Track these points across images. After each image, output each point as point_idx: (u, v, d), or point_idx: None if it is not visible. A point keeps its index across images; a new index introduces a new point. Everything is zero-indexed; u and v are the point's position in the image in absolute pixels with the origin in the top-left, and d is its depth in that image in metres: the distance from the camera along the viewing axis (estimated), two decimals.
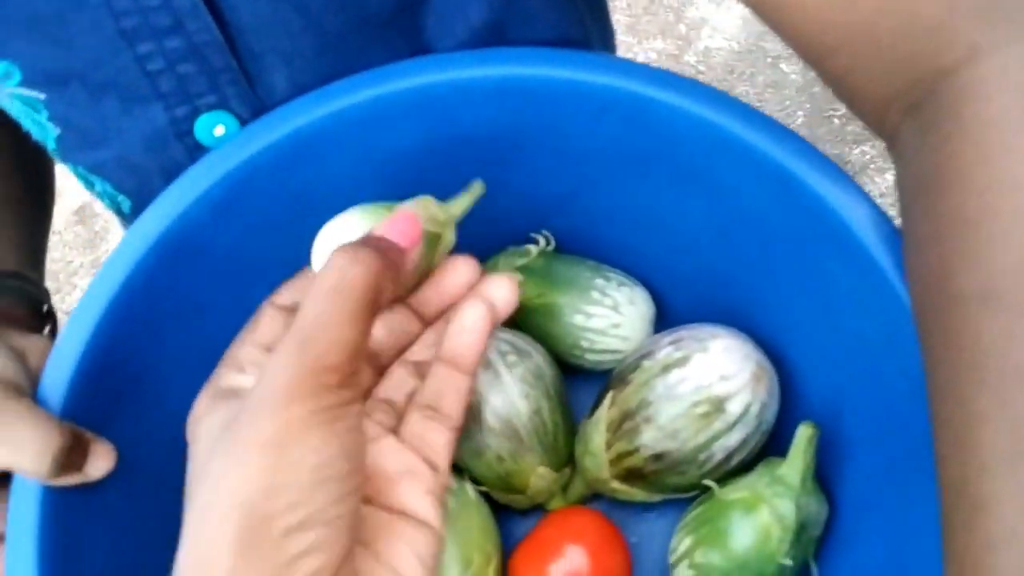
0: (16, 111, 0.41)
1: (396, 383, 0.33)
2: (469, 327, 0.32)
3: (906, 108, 0.32)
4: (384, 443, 0.31)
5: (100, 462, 0.36)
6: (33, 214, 0.47)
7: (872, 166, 1.41)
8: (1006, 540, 0.24)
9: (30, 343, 0.39)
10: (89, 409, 0.36)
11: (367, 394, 0.33)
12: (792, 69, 1.51)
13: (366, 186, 0.42)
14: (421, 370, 0.33)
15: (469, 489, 0.42)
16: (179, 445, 0.38)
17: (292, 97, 0.40)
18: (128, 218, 0.48)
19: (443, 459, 0.31)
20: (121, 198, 0.45)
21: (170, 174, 0.43)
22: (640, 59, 1.52)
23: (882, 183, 1.39)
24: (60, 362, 0.36)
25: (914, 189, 0.30)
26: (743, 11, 1.53)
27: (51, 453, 0.33)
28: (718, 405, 0.39)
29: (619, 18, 1.56)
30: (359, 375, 0.27)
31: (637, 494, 0.42)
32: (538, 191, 0.45)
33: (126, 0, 0.37)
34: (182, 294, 0.39)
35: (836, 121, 1.46)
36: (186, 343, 0.40)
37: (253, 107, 0.41)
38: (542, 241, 0.46)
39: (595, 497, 0.45)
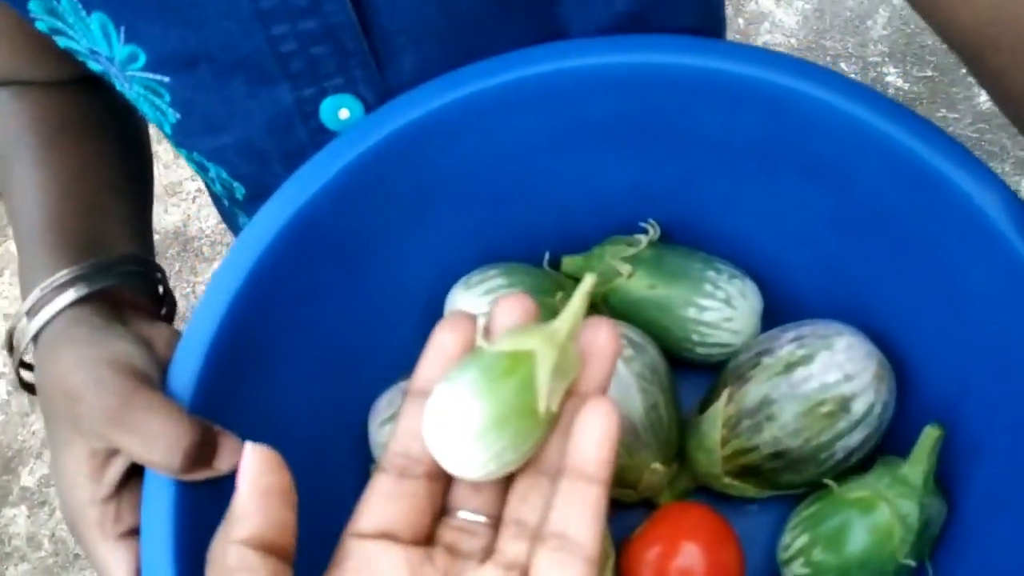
0: (135, 95, 0.40)
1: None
2: (597, 428, 0.26)
3: None
4: None
5: (229, 456, 0.35)
6: (139, 193, 0.46)
7: None
8: None
9: (156, 331, 0.38)
10: (216, 400, 0.36)
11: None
12: (851, 69, 1.48)
13: (489, 174, 0.41)
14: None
15: None
16: (296, 434, 0.38)
17: (417, 81, 0.39)
18: (243, 205, 0.47)
19: None
20: (236, 184, 0.44)
21: (291, 158, 0.42)
22: None
23: None
24: (189, 353, 0.35)
25: None
26: (803, 6, 1.51)
27: (183, 448, 0.33)
28: (843, 404, 0.39)
29: None
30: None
31: (748, 490, 0.42)
32: (651, 178, 0.44)
33: None
34: (303, 282, 0.39)
35: None
36: (305, 330, 0.40)
37: (378, 91, 0.40)
38: (651, 230, 0.45)
39: (699, 489, 0.45)
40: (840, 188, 0.39)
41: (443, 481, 0.28)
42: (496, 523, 0.28)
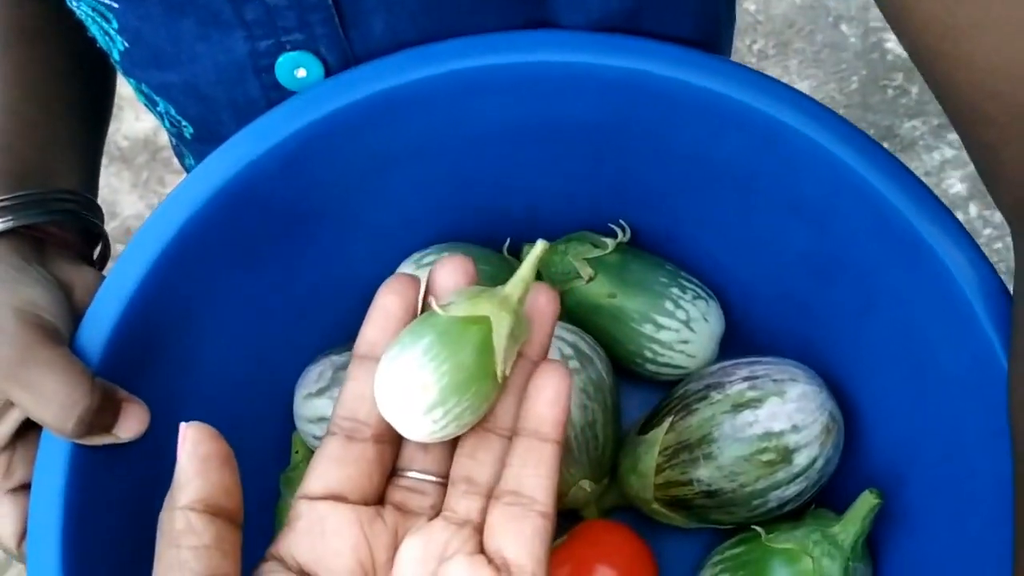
0: (82, 14, 0.37)
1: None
2: (551, 389, 0.27)
3: None
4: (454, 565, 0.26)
5: (131, 424, 0.33)
6: (89, 124, 0.43)
7: (921, 142, 1.37)
8: None
9: (79, 275, 0.36)
10: (127, 361, 0.34)
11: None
12: (853, 32, 1.44)
13: (455, 156, 0.39)
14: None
15: None
16: (214, 407, 0.36)
17: (386, 49, 0.36)
18: (190, 145, 0.44)
19: (529, 557, 0.26)
20: (184, 123, 0.41)
21: (240, 109, 0.39)
22: None
23: (929, 160, 1.36)
24: (103, 308, 0.33)
25: None
26: None
27: (78, 413, 0.31)
28: (786, 455, 0.37)
29: None
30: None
31: (676, 519, 0.41)
32: (627, 184, 0.41)
33: None
34: (238, 246, 0.36)
35: (890, 91, 1.41)
36: (236, 296, 0.37)
37: (342, 53, 0.37)
38: (620, 233, 0.43)
39: (627, 507, 0.43)
40: (817, 226, 0.37)
41: (391, 443, 0.29)
42: (444, 482, 0.28)
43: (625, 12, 0.35)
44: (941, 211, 0.34)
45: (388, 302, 0.28)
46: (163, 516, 0.26)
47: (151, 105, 0.42)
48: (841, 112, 0.45)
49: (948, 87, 0.30)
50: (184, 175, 0.39)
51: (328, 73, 0.37)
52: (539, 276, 0.43)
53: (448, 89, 0.35)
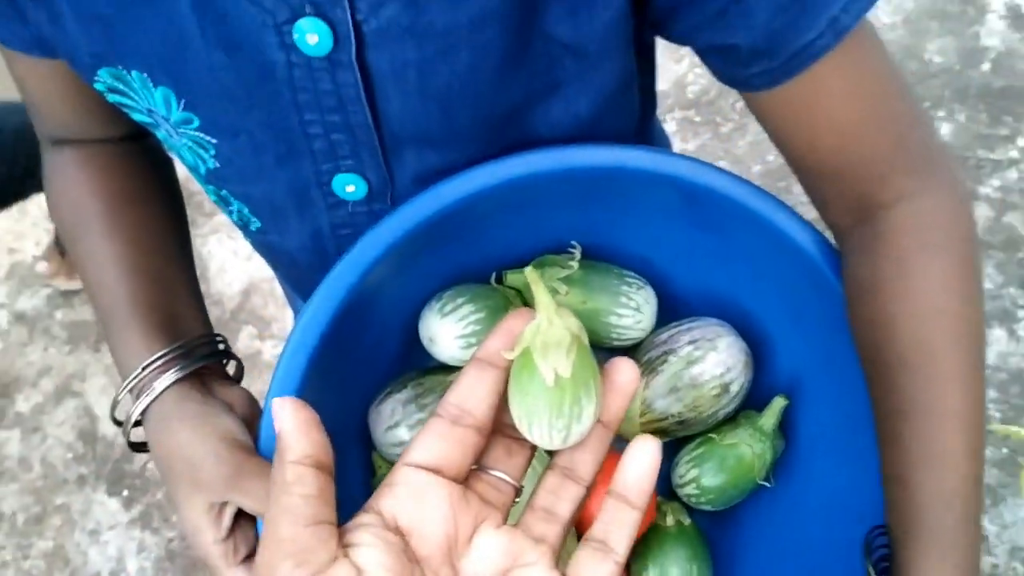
0: (180, 144, 0.48)
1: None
2: (642, 464, 0.33)
3: (854, 222, 0.48)
4: (535, 571, 0.32)
5: None
6: (189, 254, 0.53)
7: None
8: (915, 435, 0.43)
9: (234, 394, 0.47)
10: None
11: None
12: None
13: (469, 235, 0.53)
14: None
15: None
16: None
17: (416, 172, 0.49)
18: (253, 234, 0.55)
19: None
20: (253, 219, 0.52)
21: (303, 211, 0.52)
22: None
23: (800, 193, 1.58)
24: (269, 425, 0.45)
25: (856, 283, 0.48)
26: None
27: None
28: (725, 388, 0.56)
29: None
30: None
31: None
32: (581, 221, 0.57)
33: (306, 80, 0.44)
34: (361, 343, 0.49)
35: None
36: (334, 371, 0.50)
37: (381, 175, 0.49)
38: (576, 253, 0.58)
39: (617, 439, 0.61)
40: (720, 237, 0.55)
41: (485, 436, 0.34)
42: (516, 486, 0.35)
43: (589, 118, 0.48)
44: (799, 219, 0.52)
45: (513, 324, 0.35)
46: (275, 472, 0.30)
47: (224, 204, 0.53)
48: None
49: (794, 157, 0.48)
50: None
51: (371, 189, 0.50)
52: (524, 301, 0.58)
53: (477, 208, 0.49)
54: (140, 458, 1.59)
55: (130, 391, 0.46)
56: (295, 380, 0.45)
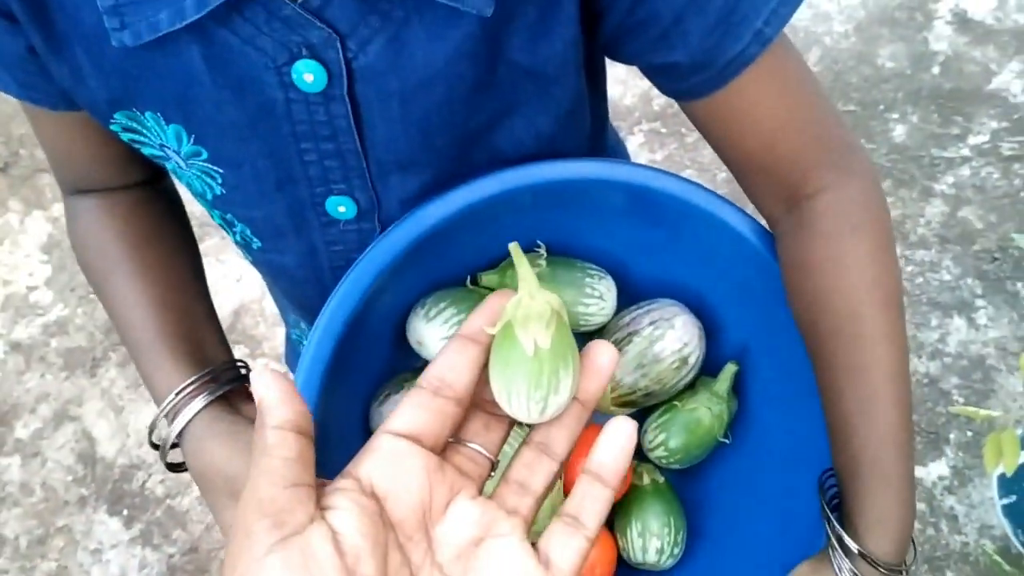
0: (189, 174, 0.54)
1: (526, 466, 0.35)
2: (617, 444, 0.34)
3: (784, 211, 0.56)
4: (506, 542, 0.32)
5: None
6: (204, 286, 0.60)
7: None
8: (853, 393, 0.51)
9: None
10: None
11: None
12: None
13: (451, 248, 0.60)
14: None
15: None
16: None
17: (400, 193, 0.56)
18: (254, 253, 0.61)
19: (569, 564, 0.33)
20: (254, 239, 0.59)
21: (300, 229, 0.58)
22: None
23: None
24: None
25: (790, 263, 0.56)
26: None
27: None
28: (684, 361, 0.64)
29: None
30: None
31: (623, 412, 0.67)
32: (546, 222, 0.64)
33: (303, 114, 0.50)
34: (358, 351, 0.56)
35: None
36: (339, 382, 0.57)
37: (369, 196, 0.56)
38: (543, 251, 0.66)
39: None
40: (668, 229, 0.62)
41: (464, 408, 0.34)
42: (492, 460, 0.35)
43: (549, 135, 0.55)
44: (736, 208, 0.60)
45: (496, 303, 0.37)
46: (255, 437, 0.30)
47: (228, 227, 0.59)
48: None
49: (726, 154, 0.55)
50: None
51: (360, 209, 0.56)
52: None
53: (460, 224, 0.56)
54: (139, 477, 1.64)
55: (165, 416, 0.53)
56: (314, 390, 0.52)
